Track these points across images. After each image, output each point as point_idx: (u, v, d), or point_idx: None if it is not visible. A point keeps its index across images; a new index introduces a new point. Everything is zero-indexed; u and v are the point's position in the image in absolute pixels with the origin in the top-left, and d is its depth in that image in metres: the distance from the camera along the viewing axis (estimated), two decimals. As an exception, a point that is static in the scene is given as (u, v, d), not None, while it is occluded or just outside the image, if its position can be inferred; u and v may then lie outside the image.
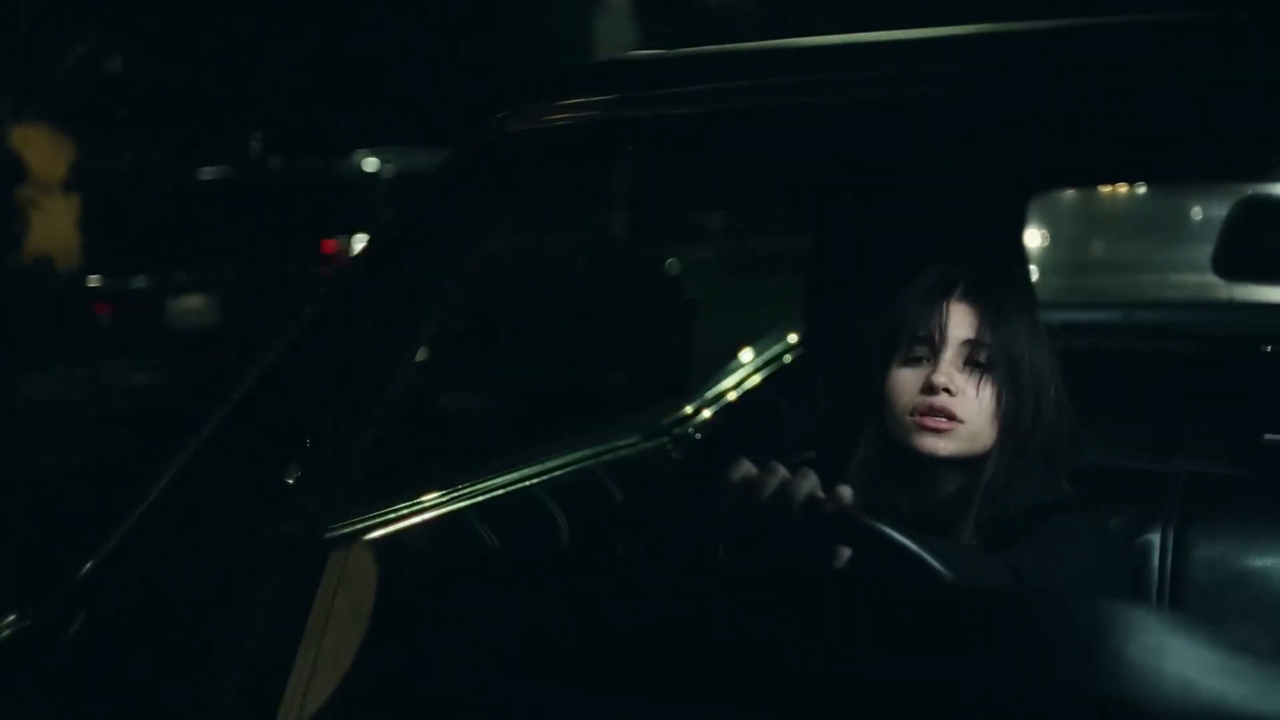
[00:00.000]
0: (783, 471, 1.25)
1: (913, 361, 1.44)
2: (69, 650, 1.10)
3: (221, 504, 1.23)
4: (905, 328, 1.45)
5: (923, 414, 1.40)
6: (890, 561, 1.18)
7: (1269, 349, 2.68)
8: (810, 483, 1.23)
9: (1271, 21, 1.02)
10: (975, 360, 1.42)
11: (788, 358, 2.89)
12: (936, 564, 1.16)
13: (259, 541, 1.27)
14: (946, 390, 1.40)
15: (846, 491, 1.23)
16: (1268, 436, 2.41)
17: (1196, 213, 9.46)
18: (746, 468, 1.26)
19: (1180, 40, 1.09)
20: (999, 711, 0.83)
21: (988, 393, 1.41)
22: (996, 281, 1.47)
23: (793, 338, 3.02)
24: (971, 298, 1.44)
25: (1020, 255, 3.05)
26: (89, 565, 1.17)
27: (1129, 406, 2.48)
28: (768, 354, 2.95)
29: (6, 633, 1.14)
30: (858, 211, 2.88)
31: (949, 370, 1.41)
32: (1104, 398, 2.34)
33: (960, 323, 1.43)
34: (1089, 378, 1.56)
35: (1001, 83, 1.13)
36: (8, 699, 1.06)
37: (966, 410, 1.41)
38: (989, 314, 1.43)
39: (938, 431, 1.40)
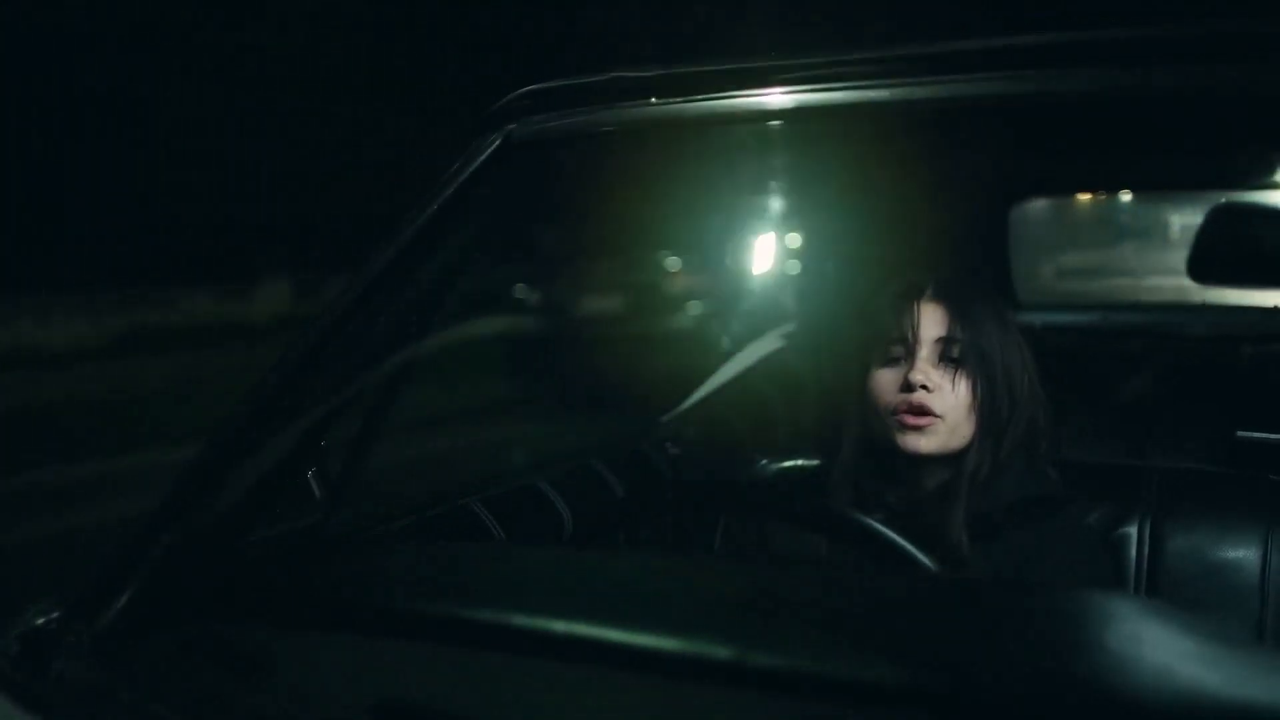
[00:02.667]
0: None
1: (890, 362, 1.46)
2: (89, 642, 1.10)
3: (239, 500, 1.23)
4: (880, 331, 1.47)
5: (903, 412, 1.42)
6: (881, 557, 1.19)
7: (1242, 349, 2.68)
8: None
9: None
10: (949, 356, 1.44)
11: (780, 355, 2.89)
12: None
13: (275, 535, 1.27)
14: (924, 387, 1.42)
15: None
16: (1241, 434, 2.41)
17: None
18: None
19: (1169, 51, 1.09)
20: (982, 696, 0.82)
21: (963, 386, 1.43)
22: (962, 282, 1.50)
23: (785, 336, 3.03)
24: (940, 298, 1.47)
25: (1003, 259, 3.05)
26: (110, 560, 1.16)
27: (1107, 405, 2.48)
28: (761, 352, 2.95)
29: (33, 623, 1.14)
30: (846, 215, 2.88)
31: (924, 368, 1.43)
32: (1084, 396, 2.34)
33: (931, 322, 1.45)
34: (1069, 377, 1.56)
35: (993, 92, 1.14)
36: (31, 687, 1.06)
37: (944, 405, 1.42)
38: (958, 312, 1.45)
39: (919, 429, 1.42)
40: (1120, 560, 1.59)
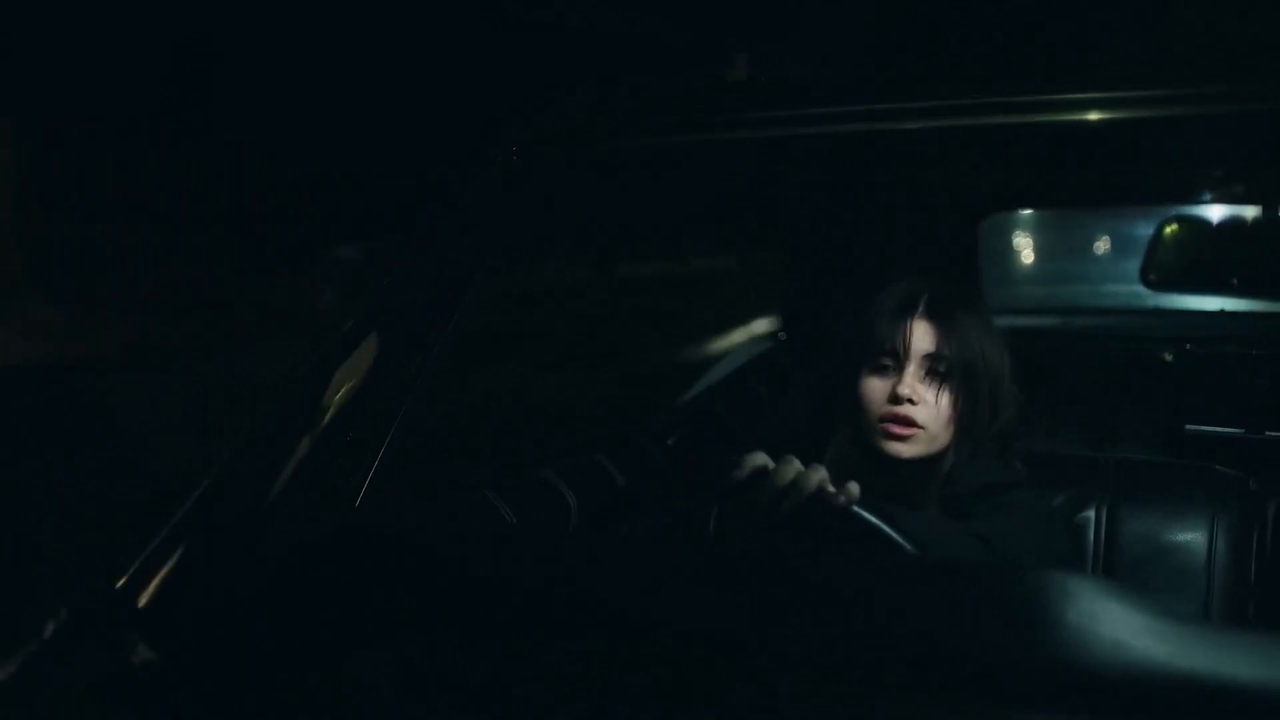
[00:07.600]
0: (796, 464, 1.19)
1: (880, 370, 1.46)
2: (121, 626, 1.10)
3: (268, 489, 1.23)
4: (873, 341, 1.47)
5: (889, 422, 1.42)
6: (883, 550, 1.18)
7: (1190, 351, 2.70)
8: (820, 475, 1.18)
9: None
10: (935, 371, 1.44)
11: (770, 354, 2.90)
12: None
13: (301, 526, 1.27)
14: (910, 400, 1.42)
15: (854, 487, 1.17)
16: (1189, 427, 2.43)
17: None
18: (761, 458, 1.20)
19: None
20: (948, 670, 0.83)
21: (946, 399, 1.44)
22: (953, 296, 1.49)
23: (774, 335, 3.04)
24: (931, 315, 1.46)
25: (974, 265, 3.06)
26: (146, 549, 1.16)
27: (1068, 401, 2.49)
28: (753, 351, 2.96)
29: (67, 607, 1.14)
30: (834, 225, 2.89)
31: (912, 382, 1.43)
32: (1046, 393, 2.35)
33: (922, 339, 1.45)
34: (1033, 377, 1.57)
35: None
36: (67, 668, 1.06)
37: (927, 417, 1.43)
38: (946, 329, 1.45)
39: (902, 438, 1.42)
40: (1081, 543, 1.60)
